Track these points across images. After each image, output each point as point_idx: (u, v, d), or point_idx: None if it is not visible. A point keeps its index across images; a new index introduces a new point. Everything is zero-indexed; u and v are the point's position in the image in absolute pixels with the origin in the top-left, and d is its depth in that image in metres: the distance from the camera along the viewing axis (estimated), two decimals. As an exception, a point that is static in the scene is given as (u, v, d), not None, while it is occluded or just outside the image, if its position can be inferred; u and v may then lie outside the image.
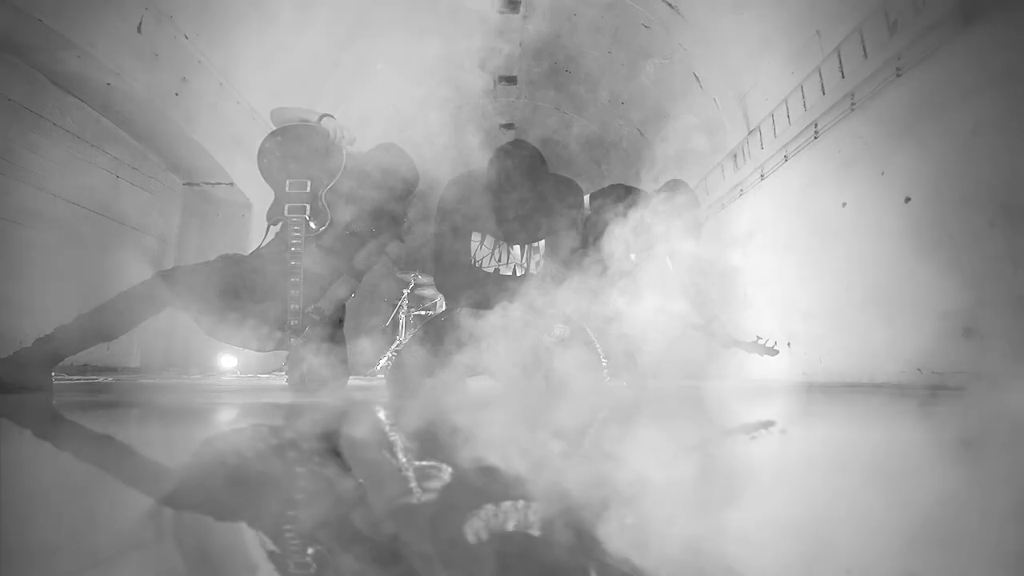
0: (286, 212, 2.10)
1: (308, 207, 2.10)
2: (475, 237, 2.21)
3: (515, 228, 2.20)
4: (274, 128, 2.21)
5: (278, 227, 2.18)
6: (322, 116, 2.19)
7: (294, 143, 2.15)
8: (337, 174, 2.14)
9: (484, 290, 2.16)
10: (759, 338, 2.84)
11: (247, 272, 2.05)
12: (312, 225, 2.09)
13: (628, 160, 6.43)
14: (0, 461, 0.72)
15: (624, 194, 2.52)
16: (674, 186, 2.60)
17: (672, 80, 4.96)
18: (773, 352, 2.79)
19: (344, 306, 2.26)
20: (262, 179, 2.18)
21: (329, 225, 2.12)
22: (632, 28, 4.83)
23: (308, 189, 2.11)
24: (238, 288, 2.01)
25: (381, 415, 1.41)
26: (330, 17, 4.47)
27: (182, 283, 1.90)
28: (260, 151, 2.16)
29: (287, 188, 2.12)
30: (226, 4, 3.78)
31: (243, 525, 0.49)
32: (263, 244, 2.17)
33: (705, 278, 2.79)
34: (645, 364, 3.37)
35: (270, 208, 2.14)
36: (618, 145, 6.44)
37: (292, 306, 2.01)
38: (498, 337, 2.16)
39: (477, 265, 2.20)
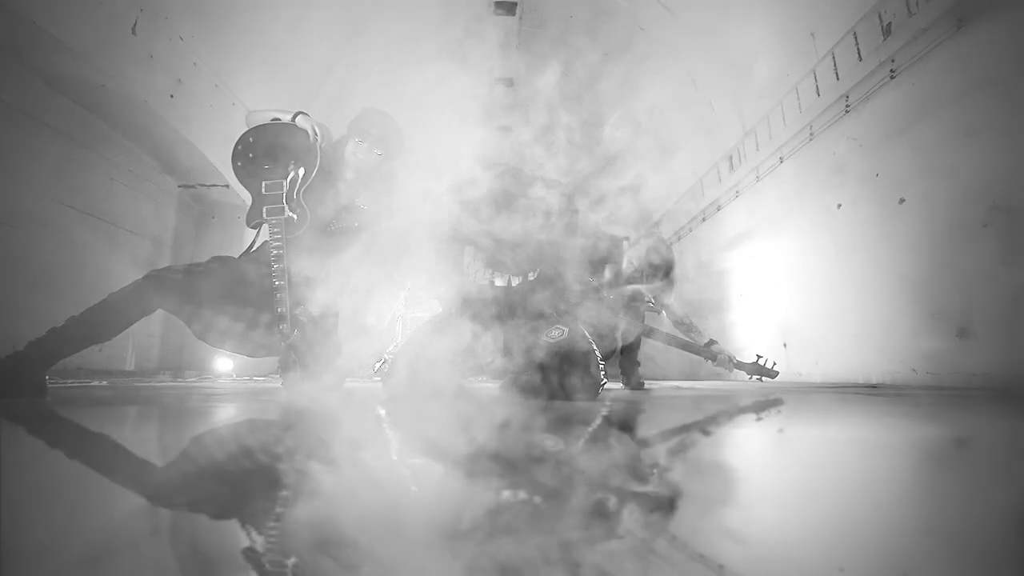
0: (264, 215, 2.04)
1: (286, 208, 2.04)
2: (468, 250, 2.20)
3: (508, 261, 2.17)
4: (247, 129, 2.14)
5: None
6: (296, 113, 2.12)
7: (267, 143, 2.09)
8: (313, 171, 2.07)
9: (479, 297, 2.16)
10: (759, 357, 2.91)
11: (237, 275, 2.03)
12: (292, 225, 2.03)
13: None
14: (-9, 466, 0.71)
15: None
16: (650, 240, 2.95)
17: (668, 82, 4.97)
18: (773, 374, 2.87)
19: (337, 306, 2.24)
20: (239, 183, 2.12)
21: (311, 224, 2.06)
22: (628, 29, 4.85)
23: (285, 189, 2.04)
24: (229, 291, 1.98)
25: (375, 416, 1.41)
26: (326, 19, 4.47)
27: (173, 283, 1.89)
28: (233, 153, 2.09)
29: (263, 190, 2.06)
30: (221, 5, 3.78)
31: (231, 524, 0.48)
32: (253, 247, 2.14)
33: (690, 311, 3.06)
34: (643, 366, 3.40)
35: (248, 212, 2.08)
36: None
37: (279, 309, 1.99)
38: (495, 339, 2.16)
39: (471, 276, 2.19)
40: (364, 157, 2.20)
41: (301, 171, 2.08)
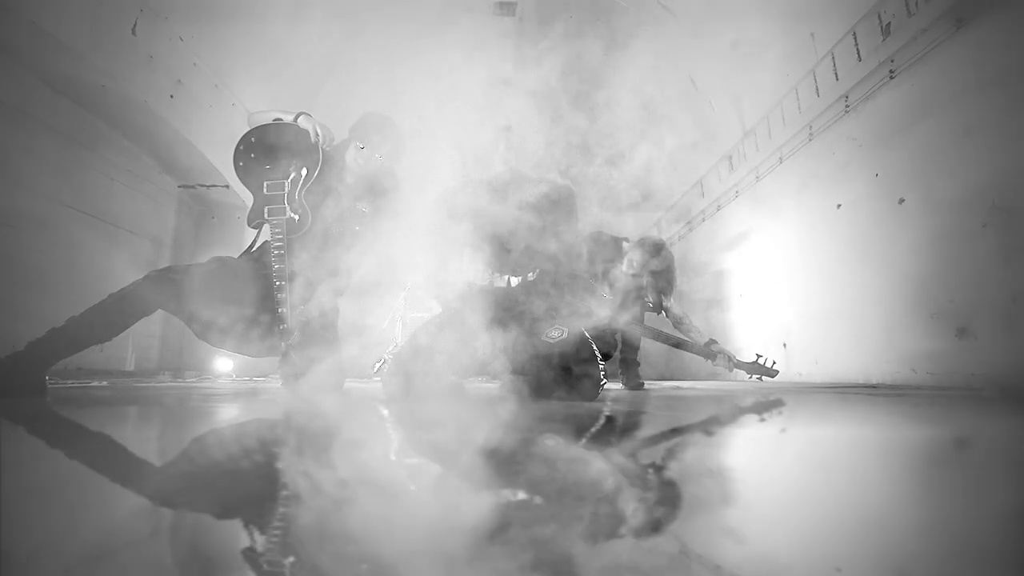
0: (266, 215, 2.05)
1: (288, 208, 2.04)
2: (468, 250, 2.19)
3: (507, 262, 2.17)
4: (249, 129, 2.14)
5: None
6: (299, 114, 2.13)
7: (269, 143, 2.09)
8: (315, 172, 2.08)
9: (478, 298, 2.16)
10: (759, 356, 2.92)
11: (237, 276, 2.03)
12: (294, 226, 2.04)
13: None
14: (-9, 466, 0.71)
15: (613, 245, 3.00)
16: (650, 242, 3.05)
17: (668, 82, 4.98)
18: (772, 373, 2.88)
19: (337, 306, 2.24)
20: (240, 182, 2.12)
21: (312, 225, 2.07)
22: (628, 30, 4.85)
23: (286, 190, 2.05)
24: (229, 291, 1.98)
25: (374, 416, 1.41)
26: (325, 19, 4.47)
27: (174, 284, 1.89)
28: (235, 153, 2.10)
29: (264, 190, 2.06)
30: (221, 6, 3.78)
31: (229, 524, 0.48)
32: (253, 247, 2.14)
33: (690, 311, 3.10)
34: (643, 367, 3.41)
35: (250, 212, 2.08)
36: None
37: (280, 310, 1.99)
38: (495, 340, 2.16)
39: (470, 276, 2.19)
40: (365, 162, 2.20)
41: (303, 171, 2.08)
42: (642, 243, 3.06)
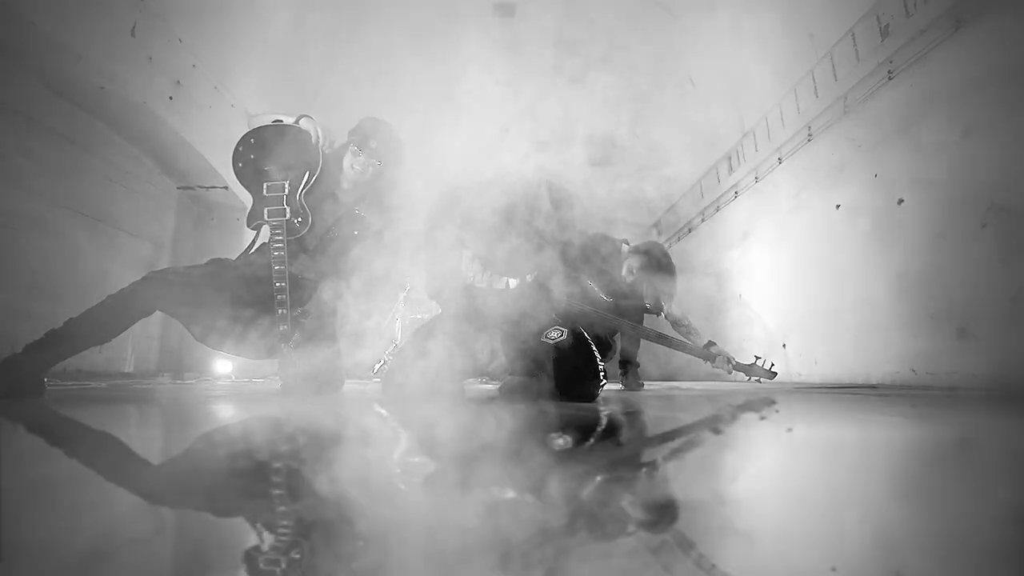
0: (265, 216, 2.05)
1: (287, 210, 2.05)
2: (467, 252, 2.19)
3: (505, 263, 2.16)
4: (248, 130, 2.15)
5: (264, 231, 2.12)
6: (300, 116, 2.13)
7: (269, 144, 2.09)
8: (316, 173, 2.08)
9: (477, 300, 2.16)
10: (758, 358, 2.92)
11: (236, 277, 2.03)
12: (293, 227, 2.04)
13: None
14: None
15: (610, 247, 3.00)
16: (650, 246, 3.09)
17: (667, 82, 4.98)
18: (771, 375, 2.88)
19: (336, 308, 2.24)
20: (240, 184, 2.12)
21: (312, 227, 2.07)
22: (626, 31, 4.85)
23: (286, 191, 2.05)
24: (227, 293, 1.98)
25: (374, 417, 1.41)
26: (325, 21, 4.48)
27: (173, 285, 1.89)
28: (235, 154, 2.10)
29: (264, 192, 2.06)
30: (220, 7, 3.78)
31: (227, 523, 0.48)
32: (252, 249, 2.14)
33: (689, 314, 3.11)
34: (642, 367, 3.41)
35: (249, 213, 2.08)
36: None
37: (279, 311, 1.99)
38: (494, 341, 2.16)
39: (468, 280, 2.19)
40: (362, 168, 2.19)
41: (303, 173, 2.08)
42: (641, 245, 3.07)
